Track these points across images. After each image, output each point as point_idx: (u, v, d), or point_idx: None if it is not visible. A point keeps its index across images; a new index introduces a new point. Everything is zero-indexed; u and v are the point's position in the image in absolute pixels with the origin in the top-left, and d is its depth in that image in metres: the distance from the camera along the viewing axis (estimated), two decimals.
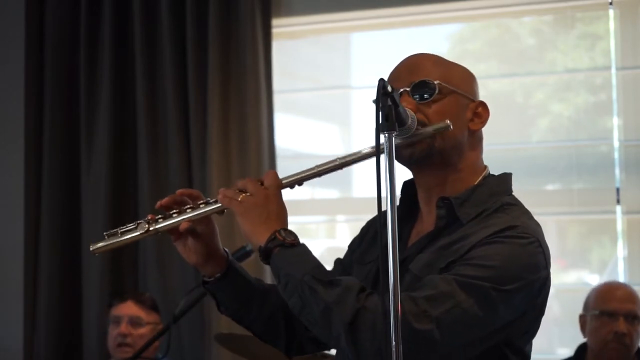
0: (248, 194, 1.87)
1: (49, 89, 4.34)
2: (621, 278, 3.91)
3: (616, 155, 3.96)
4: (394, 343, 1.60)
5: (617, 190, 3.93)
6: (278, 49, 4.23)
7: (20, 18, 4.40)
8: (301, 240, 1.86)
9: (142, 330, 3.67)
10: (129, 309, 3.71)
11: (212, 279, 2.04)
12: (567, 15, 4.08)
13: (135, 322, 3.68)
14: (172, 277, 4.12)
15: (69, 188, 4.30)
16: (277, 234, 1.82)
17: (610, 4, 3.97)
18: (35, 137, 4.34)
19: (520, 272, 1.75)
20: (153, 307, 3.75)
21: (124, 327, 3.67)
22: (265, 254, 1.82)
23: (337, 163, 1.90)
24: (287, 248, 1.81)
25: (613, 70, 3.98)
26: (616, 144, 3.97)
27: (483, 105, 1.95)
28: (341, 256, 2.14)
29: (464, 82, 1.94)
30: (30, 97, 4.36)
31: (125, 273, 4.23)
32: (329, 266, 2.00)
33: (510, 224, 1.79)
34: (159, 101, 4.21)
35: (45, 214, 4.28)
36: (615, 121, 3.98)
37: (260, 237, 1.83)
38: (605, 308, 3.39)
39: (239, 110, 4.11)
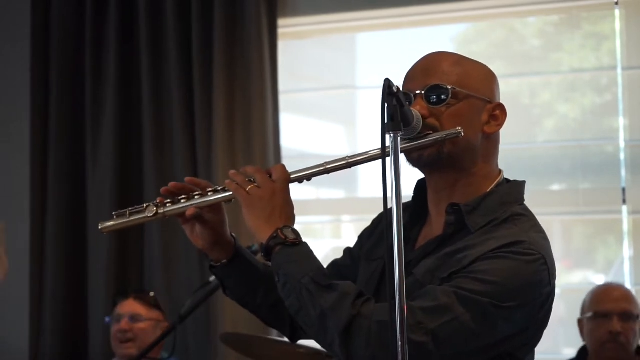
0: (256, 184, 1.86)
1: (54, 88, 4.34)
2: (627, 278, 3.91)
3: (622, 155, 3.96)
4: (399, 343, 1.60)
5: (623, 190, 3.92)
6: (283, 49, 4.23)
7: (26, 17, 4.41)
8: (306, 240, 1.85)
9: (143, 325, 3.69)
10: (129, 306, 3.73)
11: (218, 264, 2.04)
12: (572, 15, 4.08)
13: (135, 318, 3.70)
14: (178, 277, 4.13)
15: (74, 187, 4.31)
16: (279, 231, 1.81)
17: (616, 3, 3.97)
18: (41, 137, 4.35)
19: (521, 290, 1.74)
20: (154, 305, 3.76)
21: (124, 324, 3.68)
22: (267, 252, 1.82)
23: (346, 162, 1.89)
24: (288, 247, 1.81)
25: (619, 70, 3.98)
26: (622, 144, 3.97)
27: (501, 107, 1.92)
28: None
29: (482, 84, 1.91)
30: (36, 96, 4.37)
31: (130, 273, 4.24)
32: None
33: (516, 239, 1.77)
34: (165, 101, 4.21)
35: (50, 214, 4.29)
36: (621, 121, 3.97)
37: (262, 234, 1.83)
38: (599, 309, 3.40)
39: (244, 110, 4.11)
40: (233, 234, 2.05)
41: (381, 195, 1.65)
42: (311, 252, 1.83)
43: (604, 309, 3.39)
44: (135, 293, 3.79)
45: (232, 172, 1.91)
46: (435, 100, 1.85)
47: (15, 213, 4.42)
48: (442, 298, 1.70)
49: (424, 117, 1.83)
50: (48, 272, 4.27)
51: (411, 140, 1.83)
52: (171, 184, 1.98)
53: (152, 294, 3.83)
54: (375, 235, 2.04)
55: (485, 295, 1.70)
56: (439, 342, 1.68)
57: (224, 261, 2.03)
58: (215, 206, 1.98)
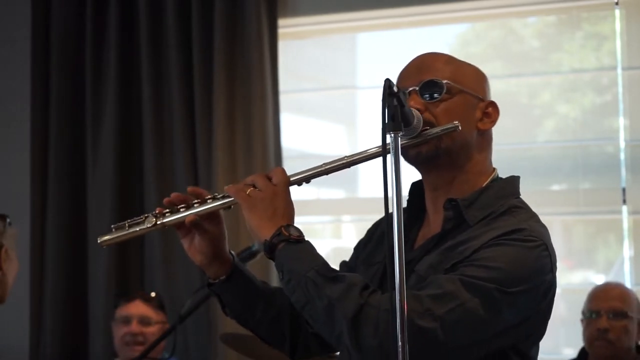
0: (256, 188, 1.86)
1: (54, 90, 4.34)
2: (627, 278, 3.91)
3: (622, 155, 3.96)
4: (400, 343, 1.60)
5: (623, 190, 3.92)
6: (284, 49, 4.23)
7: (26, 17, 4.41)
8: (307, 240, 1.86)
9: (152, 329, 3.67)
10: (137, 308, 3.70)
11: (217, 281, 2.03)
12: (572, 15, 4.08)
13: (145, 321, 3.68)
14: (178, 277, 4.13)
15: (74, 189, 4.31)
16: (282, 229, 1.82)
17: (616, 3, 3.97)
18: (41, 139, 4.35)
19: (525, 276, 1.75)
20: (160, 307, 3.75)
21: (134, 326, 3.66)
22: (270, 249, 1.82)
23: (345, 161, 1.89)
24: (292, 244, 1.81)
25: (619, 70, 3.98)
26: (622, 144, 3.97)
27: (493, 105, 1.94)
28: (347, 256, 2.13)
29: (474, 82, 1.93)
30: (36, 98, 4.37)
31: (131, 273, 4.24)
32: (334, 266, 1.99)
33: (517, 227, 1.79)
34: (165, 102, 4.21)
35: (51, 215, 4.28)
36: (622, 121, 3.98)
37: (265, 232, 1.83)
38: (590, 308, 3.44)
39: (245, 110, 4.11)
40: (232, 252, 2.05)
41: (381, 195, 1.65)
42: (314, 249, 1.84)
43: (594, 307, 3.42)
44: (141, 295, 3.76)
45: (227, 187, 1.91)
46: (430, 95, 1.88)
47: (15, 213, 4.41)
48: (448, 285, 1.71)
49: (420, 112, 1.84)
50: (48, 272, 4.27)
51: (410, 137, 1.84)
52: (173, 194, 1.97)
53: (153, 294, 3.82)
54: (373, 241, 2.05)
55: (491, 281, 1.72)
56: (447, 328, 1.69)
57: (222, 277, 2.02)
58: (215, 218, 1.97)
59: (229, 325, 3.90)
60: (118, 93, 4.24)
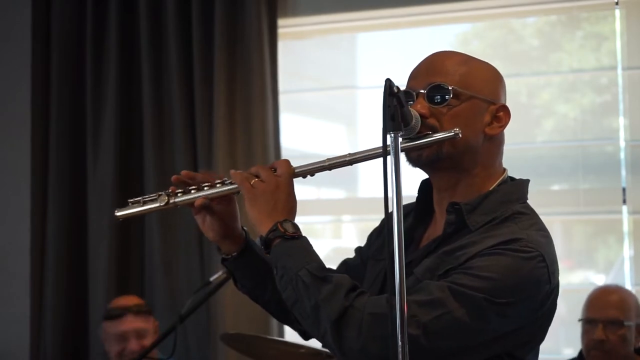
0: (260, 179, 1.88)
1: (55, 89, 4.34)
2: (627, 278, 3.91)
3: (622, 155, 3.96)
4: (400, 344, 1.60)
5: (623, 190, 3.92)
6: (284, 49, 4.23)
7: (26, 17, 4.41)
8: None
9: (151, 339, 3.65)
10: (131, 323, 3.67)
11: (229, 257, 2.06)
12: (572, 15, 4.08)
13: (141, 334, 3.65)
14: (178, 277, 4.13)
15: (75, 188, 4.31)
16: (279, 225, 1.83)
17: (617, 3, 3.97)
18: (41, 138, 4.35)
19: (516, 286, 1.73)
20: (149, 312, 3.74)
21: (134, 345, 3.62)
22: (266, 245, 1.84)
23: (347, 159, 1.90)
24: (287, 240, 1.82)
25: (619, 71, 3.98)
26: (622, 144, 3.97)
27: (504, 109, 1.90)
28: (347, 256, 2.14)
29: (485, 84, 1.90)
30: (37, 96, 4.37)
31: (131, 273, 4.24)
32: (333, 265, 2.00)
33: (514, 236, 1.76)
34: (165, 101, 4.22)
35: (51, 214, 4.29)
36: (621, 121, 3.98)
37: (263, 226, 1.85)
38: (587, 316, 3.41)
39: (245, 110, 4.11)
40: (244, 228, 2.06)
41: (381, 195, 1.65)
42: (310, 245, 1.85)
43: (591, 316, 3.39)
44: (131, 308, 3.71)
45: (233, 171, 1.93)
46: (436, 100, 1.85)
47: (15, 213, 4.43)
48: (437, 292, 1.71)
49: (424, 117, 1.83)
50: (48, 272, 4.27)
51: (410, 140, 1.83)
52: (183, 172, 2.01)
53: (139, 301, 3.78)
54: (383, 235, 2.04)
55: (480, 290, 1.71)
56: (430, 335, 1.69)
57: (234, 254, 2.04)
58: (226, 198, 2.00)
59: (229, 325, 3.91)
60: (118, 93, 4.24)
